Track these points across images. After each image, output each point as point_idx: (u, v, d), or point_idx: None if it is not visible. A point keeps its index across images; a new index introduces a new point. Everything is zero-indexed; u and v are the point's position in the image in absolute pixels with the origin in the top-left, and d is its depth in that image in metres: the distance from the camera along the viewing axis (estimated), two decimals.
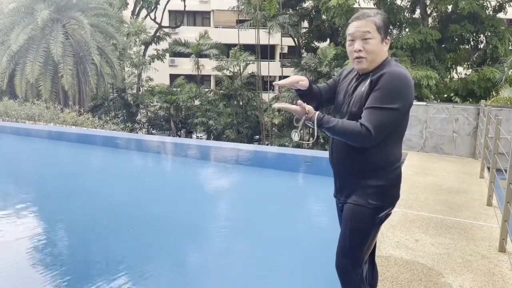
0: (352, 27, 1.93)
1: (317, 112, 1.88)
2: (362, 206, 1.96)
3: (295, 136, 1.98)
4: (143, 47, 25.19)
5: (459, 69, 18.86)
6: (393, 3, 17.24)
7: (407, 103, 1.87)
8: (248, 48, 23.04)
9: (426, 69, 15.40)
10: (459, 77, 18.23)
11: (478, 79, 15.54)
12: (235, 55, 22.45)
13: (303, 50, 24.49)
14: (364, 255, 2.03)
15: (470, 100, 16.18)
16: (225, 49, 23.99)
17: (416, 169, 6.09)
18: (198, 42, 23.64)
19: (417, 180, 5.37)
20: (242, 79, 23.55)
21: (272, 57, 28.03)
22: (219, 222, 5.15)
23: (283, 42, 27.43)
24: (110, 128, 14.49)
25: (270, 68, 24.34)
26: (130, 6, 25.76)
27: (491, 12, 17.18)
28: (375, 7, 17.47)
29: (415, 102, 7.61)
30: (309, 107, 1.88)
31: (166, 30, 27.57)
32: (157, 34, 26.03)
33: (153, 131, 25.63)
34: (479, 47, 17.90)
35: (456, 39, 17.08)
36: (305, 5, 23.39)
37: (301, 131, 1.97)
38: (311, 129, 1.89)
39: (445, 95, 16.97)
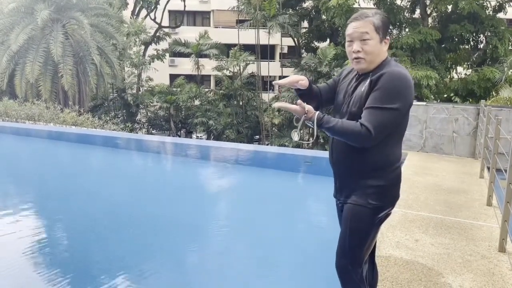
0: (351, 28, 1.93)
1: (317, 112, 1.87)
2: (362, 206, 1.96)
3: (295, 136, 1.98)
4: (143, 47, 25.19)
5: (459, 69, 18.87)
6: (393, 3, 17.24)
7: (407, 103, 1.87)
8: (248, 48, 23.04)
9: (426, 69, 15.41)
10: (459, 77, 18.24)
11: (478, 79, 15.55)
12: (235, 55, 22.45)
13: (303, 50, 24.50)
14: (364, 255, 2.03)
15: (470, 100, 16.19)
16: (225, 49, 23.99)
17: (416, 169, 6.09)
18: (198, 42, 23.64)
19: (417, 180, 5.38)
20: (242, 79, 23.55)
21: (272, 57, 28.04)
22: (219, 222, 5.15)
23: (283, 42, 27.45)
24: (110, 128, 14.49)
25: (270, 68, 24.35)
26: (130, 6, 25.76)
27: (491, 12, 17.18)
28: (375, 7, 17.47)
29: (415, 102, 7.61)
30: (308, 107, 1.88)
31: (166, 30, 27.57)
32: (157, 34, 26.03)
33: (153, 131, 25.63)
34: (479, 47, 17.91)
35: (456, 39, 17.09)
36: (305, 5, 23.40)
37: (301, 131, 1.98)
38: (311, 129, 1.89)
39: (445, 95, 16.98)
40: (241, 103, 23.53)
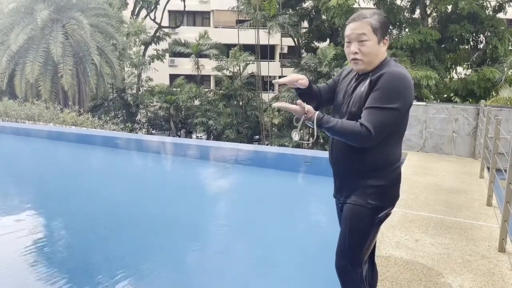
0: (349, 29, 1.93)
1: (317, 112, 1.87)
2: (361, 206, 1.96)
3: (295, 136, 1.98)
4: (143, 47, 25.20)
5: (459, 69, 18.88)
6: (393, 3, 17.25)
7: (406, 103, 1.87)
8: (248, 48, 23.04)
9: (425, 69, 15.42)
10: (459, 77, 18.26)
11: (478, 79, 15.56)
12: (235, 55, 22.46)
13: (303, 50, 24.52)
14: (364, 255, 2.03)
15: (470, 100, 16.20)
16: (225, 49, 24.00)
17: (416, 169, 6.09)
18: (198, 42, 23.65)
19: (417, 180, 5.38)
20: (242, 79, 23.56)
21: (272, 57, 28.04)
22: (219, 222, 5.15)
23: (283, 42, 27.46)
24: (110, 128, 14.49)
25: (270, 68, 24.36)
26: (130, 6, 25.77)
27: (490, 12, 17.20)
28: (375, 7, 17.48)
29: (415, 102, 7.62)
30: (308, 107, 1.88)
31: (166, 30, 27.58)
32: (157, 34, 26.03)
33: (153, 131, 25.64)
34: (478, 47, 17.92)
35: (456, 39, 17.10)
36: (305, 5, 23.41)
37: (301, 131, 1.98)
38: (311, 129, 1.89)
39: (445, 95, 16.99)
40: (241, 103, 23.53)
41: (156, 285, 3.45)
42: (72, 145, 10.36)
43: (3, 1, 17.94)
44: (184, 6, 27.72)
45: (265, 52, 23.22)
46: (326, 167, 2.24)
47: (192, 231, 4.71)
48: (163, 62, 26.32)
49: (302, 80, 2.07)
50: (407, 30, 17.62)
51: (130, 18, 24.85)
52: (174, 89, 24.58)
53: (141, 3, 25.48)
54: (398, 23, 17.79)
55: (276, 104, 1.99)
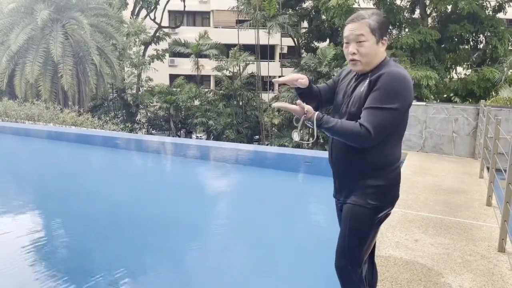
0: (347, 30, 1.94)
1: (317, 112, 1.87)
2: (361, 206, 1.96)
3: (296, 136, 1.99)
4: (142, 47, 25.20)
5: (459, 69, 18.89)
6: (392, 3, 17.25)
7: (406, 103, 1.87)
8: (248, 48, 23.04)
9: (425, 69, 15.42)
10: (459, 77, 18.27)
11: (478, 79, 15.56)
12: (235, 55, 22.46)
13: (303, 50, 24.51)
14: (364, 255, 2.03)
15: (470, 100, 16.21)
16: (225, 49, 24.00)
17: (416, 169, 6.09)
18: (197, 42, 23.64)
19: (416, 180, 5.38)
20: (241, 79, 23.56)
21: (272, 57, 28.04)
22: (219, 221, 5.16)
23: (283, 42, 27.45)
24: (110, 128, 14.50)
25: (270, 68, 24.34)
26: (130, 6, 25.77)
27: (490, 12, 17.20)
28: (374, 7, 17.48)
29: (414, 102, 7.62)
30: (308, 107, 1.88)
31: (166, 30, 27.57)
32: (157, 34, 26.03)
33: (152, 131, 25.64)
34: (478, 47, 17.93)
35: (456, 39, 17.10)
36: (304, 5, 23.40)
37: (301, 131, 1.98)
38: (311, 129, 1.90)
39: (445, 95, 17.00)
40: (241, 103, 23.53)
41: (156, 285, 3.46)
42: (72, 145, 10.36)
43: (3, 1, 17.94)
44: (184, 6, 27.72)
45: (265, 52, 23.22)
46: (326, 167, 2.24)
47: (192, 231, 4.71)
48: (163, 62, 26.32)
49: (302, 79, 2.08)
50: (407, 30, 17.63)
51: (130, 18, 24.85)
52: (174, 89, 24.59)
53: (141, 3, 25.48)
54: (398, 23, 17.80)
55: (275, 104, 1.99)
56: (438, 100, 16.49)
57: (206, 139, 21.91)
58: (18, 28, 16.83)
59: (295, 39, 24.15)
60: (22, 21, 17.25)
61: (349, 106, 1.97)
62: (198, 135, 23.01)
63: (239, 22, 24.62)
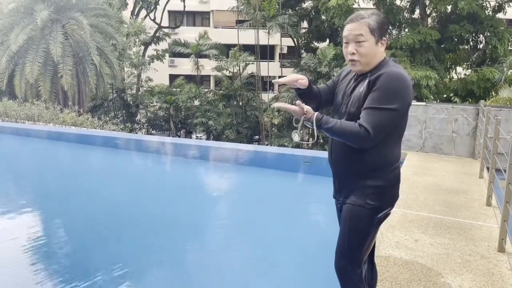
0: (346, 30, 1.94)
1: (316, 113, 1.88)
2: (360, 206, 1.96)
3: (296, 137, 1.99)
4: (142, 47, 25.19)
5: (459, 69, 18.90)
6: (392, 3, 17.26)
7: (405, 103, 1.87)
8: (248, 48, 23.04)
9: (425, 69, 15.43)
10: (459, 77, 18.27)
11: (478, 79, 15.57)
12: (235, 56, 22.46)
13: (303, 51, 24.52)
14: (363, 255, 2.04)
15: (470, 100, 16.21)
16: (225, 50, 24.00)
17: (416, 169, 6.10)
18: (197, 42, 23.65)
19: (416, 180, 5.38)
20: (241, 80, 23.57)
21: (272, 58, 28.04)
22: (219, 222, 5.16)
23: (283, 43, 27.45)
24: (110, 128, 14.49)
25: (270, 68, 24.35)
26: (130, 6, 25.76)
27: (490, 12, 17.21)
28: (374, 7, 17.49)
29: (414, 103, 7.62)
30: (307, 108, 1.88)
31: (166, 30, 27.57)
32: (157, 34, 26.03)
33: (152, 132, 25.65)
34: (478, 47, 17.94)
35: (456, 39, 17.11)
36: (304, 5, 23.41)
37: (301, 132, 1.98)
38: (311, 129, 1.90)
39: (445, 95, 17.01)
40: (240, 103, 23.54)
41: (156, 285, 3.46)
42: (72, 145, 10.36)
43: (3, 1, 17.94)
44: (184, 6, 27.72)
45: (265, 52, 23.22)
46: (326, 167, 2.24)
47: (192, 231, 4.71)
48: (163, 62, 26.32)
49: (302, 80, 2.08)
50: (406, 30, 17.63)
51: (130, 18, 24.85)
52: (174, 89, 24.59)
53: (141, 3, 25.48)
54: (397, 23, 17.80)
55: (275, 105, 1.99)
56: (438, 100, 16.50)
57: (206, 139, 21.91)
58: (18, 28, 16.83)
59: (295, 39, 24.15)
60: (22, 21, 17.25)
61: (349, 107, 1.98)
62: (198, 135, 23.02)
63: (239, 22, 24.62)
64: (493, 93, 14.76)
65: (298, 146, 16.28)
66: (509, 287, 2.65)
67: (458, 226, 3.70)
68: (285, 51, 28.74)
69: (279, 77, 26.21)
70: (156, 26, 26.27)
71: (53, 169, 8.01)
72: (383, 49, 1.95)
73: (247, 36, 22.66)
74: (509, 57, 14.90)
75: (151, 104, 24.88)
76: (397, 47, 16.10)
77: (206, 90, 25.85)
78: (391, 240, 3.33)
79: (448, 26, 16.46)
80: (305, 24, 24.90)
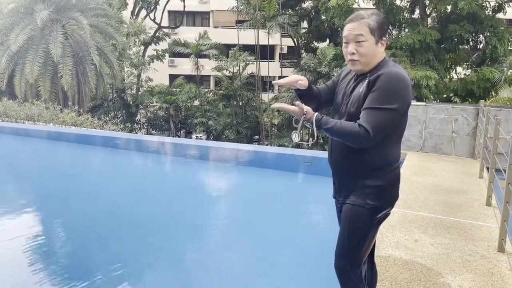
0: (346, 30, 1.94)
1: (316, 113, 1.88)
2: (360, 206, 1.96)
3: (295, 138, 1.99)
4: (142, 47, 25.19)
5: (459, 69, 18.90)
6: (392, 3, 17.26)
7: (405, 103, 1.87)
8: (248, 48, 23.04)
9: (425, 69, 15.43)
10: (459, 77, 18.28)
11: (478, 79, 15.57)
12: (235, 56, 22.46)
13: (303, 51, 24.52)
14: (363, 255, 2.04)
15: (470, 100, 16.22)
16: (225, 50, 24.00)
17: (416, 169, 6.10)
18: (197, 42, 23.65)
19: (416, 180, 5.38)
20: (241, 80, 23.57)
21: (272, 58, 28.04)
22: (219, 222, 5.16)
23: (283, 43, 27.45)
24: (110, 128, 14.49)
25: (270, 68, 24.35)
26: (130, 7, 25.76)
27: (490, 13, 17.21)
28: (374, 7, 17.49)
29: (414, 103, 7.63)
30: (307, 108, 1.88)
31: (166, 30, 27.58)
32: (157, 34, 26.03)
33: (152, 132, 25.65)
34: (478, 47, 17.94)
35: (456, 39, 17.11)
36: (304, 5, 23.41)
37: (301, 132, 1.98)
38: (310, 129, 1.90)
39: (445, 95, 17.01)
40: (240, 104, 23.54)
41: (156, 285, 3.46)
42: (72, 145, 10.36)
43: (2, 1, 17.93)
44: (184, 6, 27.72)
45: (265, 52, 23.22)
46: (326, 167, 2.25)
47: (192, 231, 4.71)
48: (163, 63, 26.32)
49: (302, 81, 2.08)
50: (406, 30, 17.64)
51: (130, 18, 24.85)
52: (174, 89, 24.59)
53: (140, 3, 25.48)
54: (397, 23, 17.81)
55: (275, 105, 2.00)
56: (438, 100, 16.51)
57: (206, 139, 21.92)
58: (18, 28, 16.82)
59: (295, 39, 24.15)
60: (21, 21, 17.24)
61: (348, 107, 1.98)
62: (198, 135, 23.02)
63: (239, 22, 24.62)
64: (493, 93, 14.77)
65: (298, 146, 16.28)
66: (509, 287, 2.65)
67: (458, 226, 3.71)
68: (285, 51, 28.75)
69: (279, 77, 26.25)
70: (156, 26, 26.27)
71: (53, 169, 8.01)
72: (383, 49, 1.95)
73: (247, 36, 22.66)
74: (509, 57, 14.91)
75: (151, 104, 24.89)
76: (397, 47, 16.10)
77: (206, 90, 25.86)
78: (391, 240, 3.33)
79: (448, 26, 16.46)
80: (305, 24, 24.89)
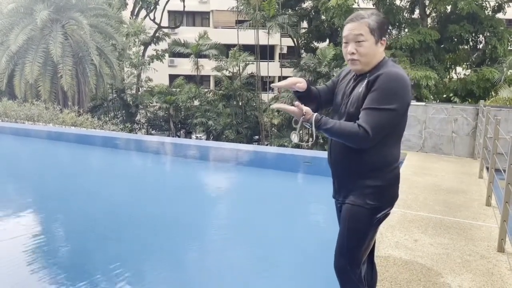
0: (346, 30, 1.94)
1: (315, 114, 1.88)
2: (359, 206, 1.96)
3: (295, 138, 1.99)
4: (142, 47, 25.20)
5: (458, 69, 18.91)
6: (392, 3, 17.27)
7: (404, 104, 1.87)
8: (248, 48, 23.05)
9: (425, 69, 15.44)
10: (458, 77, 18.29)
11: (477, 79, 15.58)
12: (235, 56, 22.47)
13: (303, 51, 24.52)
14: (363, 255, 2.04)
15: (469, 100, 16.23)
16: (225, 50, 24.01)
17: (415, 169, 6.10)
18: (197, 42, 23.66)
19: (416, 180, 5.39)
20: (241, 80, 23.57)
21: (272, 58, 28.05)
22: (219, 222, 5.16)
23: (283, 43, 27.42)
24: (110, 128, 14.49)
25: (270, 68, 24.36)
26: (130, 7, 25.75)
27: (490, 13, 17.22)
28: (374, 7, 17.50)
29: (414, 103, 7.63)
30: (306, 109, 1.88)
31: (166, 30, 27.58)
32: (157, 34, 26.03)
33: (152, 132, 25.65)
34: (478, 47, 17.95)
35: (455, 40, 17.13)
36: (304, 5, 23.42)
37: (301, 133, 1.98)
38: (310, 129, 1.90)
39: (444, 95, 17.03)
40: (240, 104, 23.54)
41: (156, 285, 3.46)
42: (72, 145, 10.36)
43: (2, 1, 17.94)
44: (184, 7, 27.72)
45: (265, 52, 23.23)
46: (326, 168, 2.25)
47: (192, 231, 4.71)
48: (163, 63, 26.32)
49: (301, 83, 2.09)
50: (406, 30, 17.64)
51: (130, 18, 24.85)
52: (174, 89, 24.60)
53: (140, 3, 25.48)
54: (397, 23, 17.81)
55: (274, 106, 2.00)
56: (438, 100, 16.52)
57: (206, 139, 21.92)
58: (17, 28, 16.83)
59: (295, 39, 24.15)
60: (21, 21, 17.24)
61: (348, 107, 1.98)
62: (198, 135, 23.02)
63: (239, 22, 24.62)
64: (492, 93, 14.78)
65: (297, 146, 16.27)
66: (508, 287, 2.65)
67: (458, 226, 3.71)
68: (285, 51, 28.73)
69: (279, 77, 26.15)
70: (156, 26, 26.27)
71: (53, 169, 8.01)
72: (382, 49, 1.95)
73: (247, 36, 22.66)
74: (508, 57, 14.92)
75: (151, 104, 24.89)
76: (397, 47, 16.10)
77: (206, 90, 25.86)
78: (391, 240, 3.33)
79: (447, 26, 16.47)
80: (305, 24, 24.90)
